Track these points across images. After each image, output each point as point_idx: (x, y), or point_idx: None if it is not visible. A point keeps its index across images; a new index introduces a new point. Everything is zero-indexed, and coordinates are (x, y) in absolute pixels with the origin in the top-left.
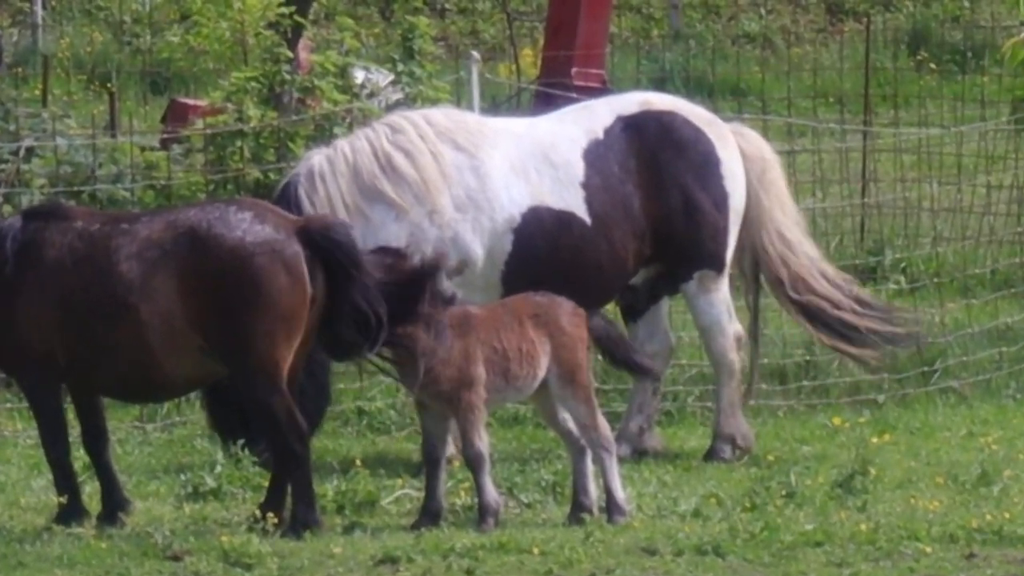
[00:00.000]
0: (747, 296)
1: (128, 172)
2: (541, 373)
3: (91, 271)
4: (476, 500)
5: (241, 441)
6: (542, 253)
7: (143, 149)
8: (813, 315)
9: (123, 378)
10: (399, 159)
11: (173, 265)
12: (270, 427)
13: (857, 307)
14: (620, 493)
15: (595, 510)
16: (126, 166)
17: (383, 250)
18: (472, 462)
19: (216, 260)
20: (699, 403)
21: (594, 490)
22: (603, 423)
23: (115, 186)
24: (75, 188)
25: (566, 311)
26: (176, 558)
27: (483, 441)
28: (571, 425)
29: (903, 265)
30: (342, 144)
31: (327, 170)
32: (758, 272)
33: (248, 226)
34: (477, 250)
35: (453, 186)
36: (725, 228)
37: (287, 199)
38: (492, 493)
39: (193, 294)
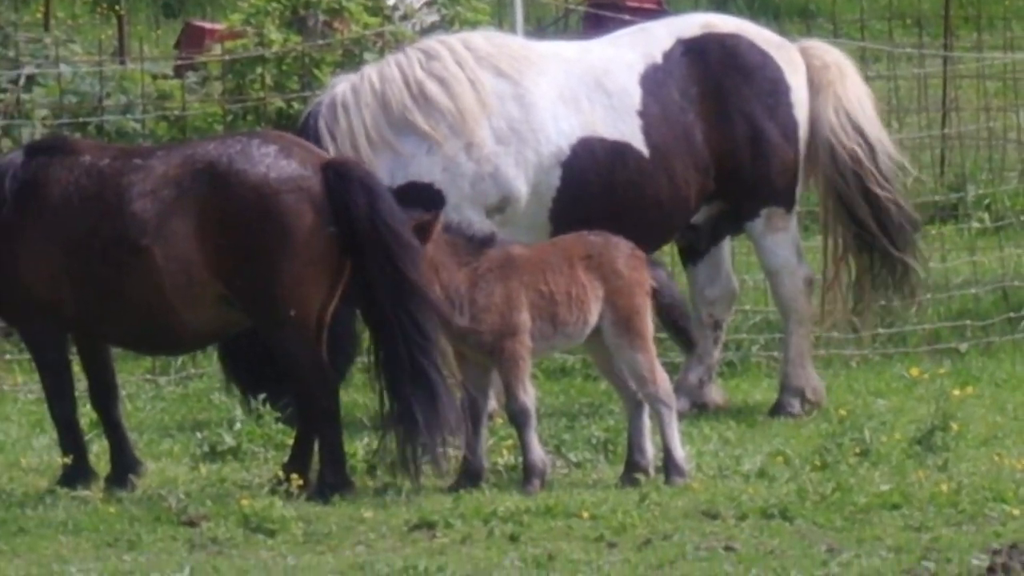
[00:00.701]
0: (826, 226)
1: (139, 102)
2: (592, 319)
3: (100, 211)
4: (520, 459)
5: (262, 395)
6: (595, 188)
7: (155, 77)
8: (883, 212)
9: (135, 329)
10: (432, 88)
11: (191, 204)
12: (296, 380)
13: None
14: (679, 451)
15: (651, 470)
16: (136, 96)
17: (412, 186)
18: (516, 417)
19: (238, 198)
20: (764, 353)
21: (650, 448)
22: (663, 375)
23: (124, 117)
24: (80, 120)
25: (623, 252)
26: (192, 523)
27: (528, 395)
28: (627, 377)
29: (987, 202)
30: (369, 71)
31: (351, 100)
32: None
33: (272, 161)
34: (520, 186)
35: (493, 116)
36: (795, 161)
37: (306, 132)
38: (538, 452)
39: (213, 236)
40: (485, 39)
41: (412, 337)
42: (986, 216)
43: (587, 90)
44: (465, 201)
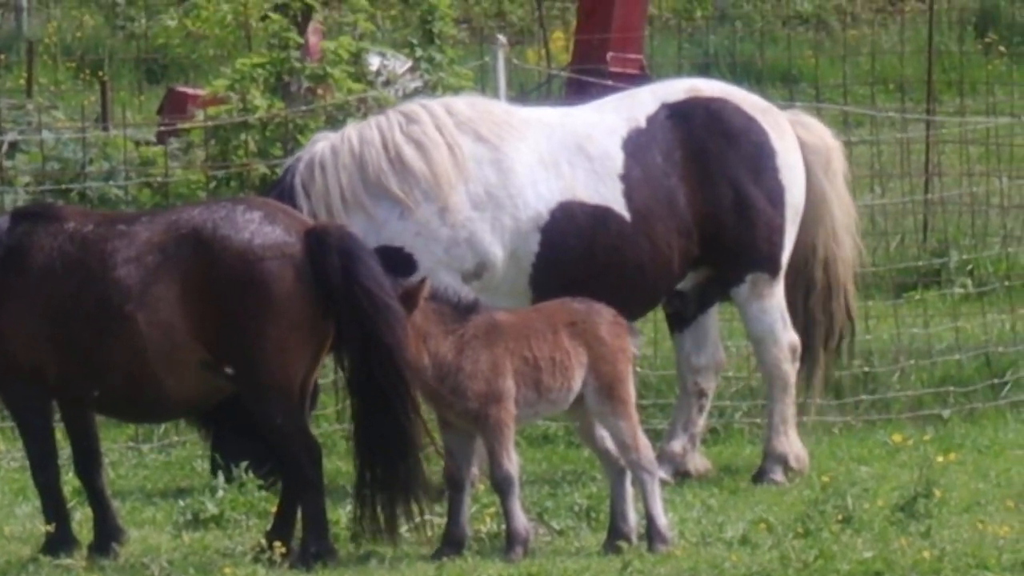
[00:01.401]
0: (802, 297)
1: (121, 169)
2: (576, 386)
3: (84, 277)
4: (503, 527)
5: (244, 463)
6: (575, 253)
7: (138, 144)
8: (820, 335)
9: (119, 396)
10: (408, 152)
11: (175, 270)
12: (280, 448)
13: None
14: (662, 519)
15: (634, 537)
16: (119, 162)
17: (383, 251)
18: (500, 485)
19: (222, 264)
20: (747, 419)
21: (633, 516)
22: (645, 442)
23: (107, 184)
24: (63, 186)
25: (606, 320)
26: None
27: (513, 462)
28: (609, 444)
29: (970, 267)
30: (350, 132)
31: (329, 160)
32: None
33: (257, 227)
34: (497, 251)
35: (471, 181)
36: (781, 227)
37: (282, 188)
38: (521, 519)
39: (196, 302)
40: (467, 104)
41: (391, 402)
42: (969, 281)
43: (568, 154)
44: (440, 266)
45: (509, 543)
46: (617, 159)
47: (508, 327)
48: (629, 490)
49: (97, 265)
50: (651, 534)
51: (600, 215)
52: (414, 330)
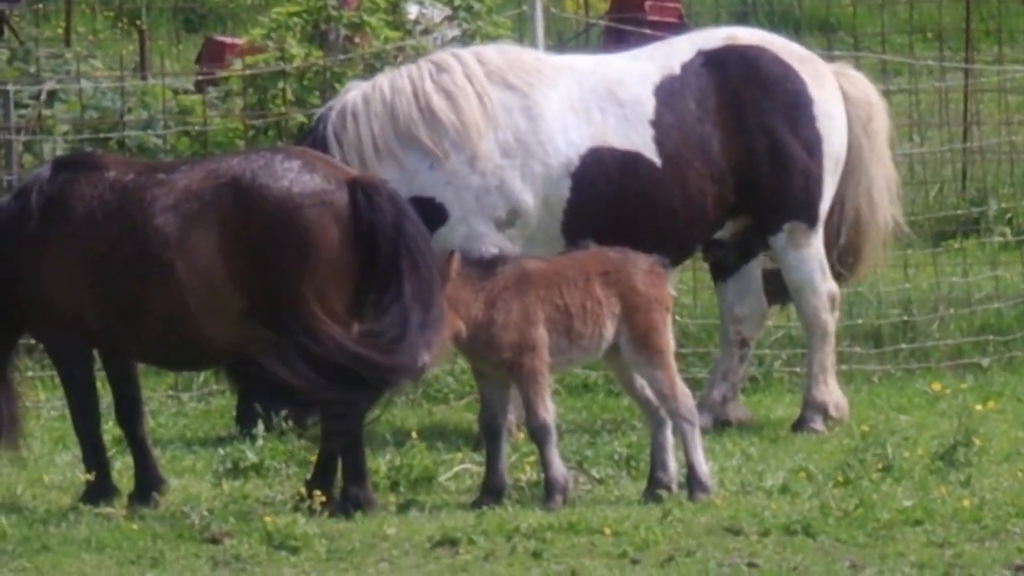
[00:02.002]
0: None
1: (160, 117)
2: (609, 334)
3: (124, 225)
4: (542, 476)
5: (284, 412)
6: (606, 199)
7: (176, 92)
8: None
9: (159, 344)
10: (438, 102)
11: (214, 218)
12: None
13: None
14: (703, 467)
15: (674, 486)
16: (157, 111)
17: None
18: (537, 434)
19: (261, 213)
20: (787, 368)
21: (673, 465)
22: (684, 391)
23: (146, 133)
24: (102, 135)
25: (641, 269)
26: (215, 540)
27: (549, 411)
28: (649, 393)
29: (1009, 216)
30: (382, 81)
31: (361, 109)
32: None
33: (296, 176)
34: (527, 198)
35: (500, 129)
36: (818, 176)
37: (315, 137)
38: (560, 468)
39: (236, 251)
40: (498, 52)
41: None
42: (1008, 230)
43: (599, 101)
44: (472, 214)
45: (548, 492)
46: (648, 105)
47: (538, 275)
48: (670, 439)
49: (137, 213)
50: (691, 483)
51: (630, 161)
52: (448, 303)
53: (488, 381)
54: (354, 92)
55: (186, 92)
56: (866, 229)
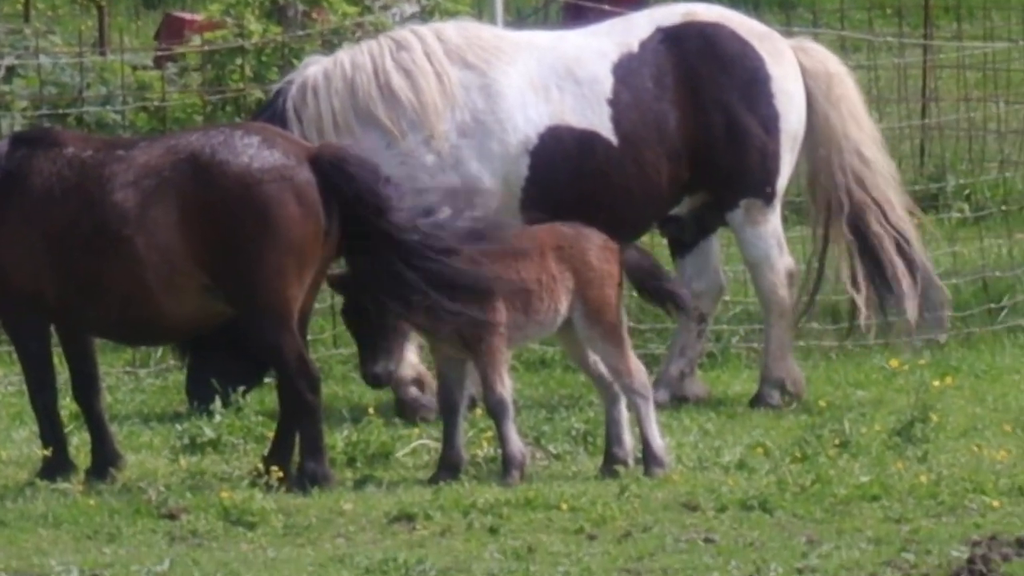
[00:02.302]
0: (816, 228)
1: (119, 93)
2: (563, 309)
3: (82, 201)
4: (499, 451)
5: (242, 388)
6: (563, 177)
7: (135, 68)
8: (872, 251)
9: (117, 319)
10: (397, 80)
11: (173, 194)
12: (278, 371)
13: (914, 254)
14: (658, 442)
15: (630, 462)
16: (116, 87)
17: None
18: (495, 410)
19: (220, 188)
20: (745, 344)
21: (629, 440)
22: (637, 366)
23: (104, 108)
24: (60, 111)
25: (594, 244)
26: (172, 516)
27: (506, 386)
28: (602, 368)
29: (967, 192)
30: (342, 57)
31: (321, 84)
32: (829, 200)
33: (255, 151)
34: (484, 177)
35: (458, 109)
36: (776, 153)
37: (274, 112)
38: (517, 444)
39: (195, 226)
40: (457, 30)
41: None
42: (966, 206)
43: (557, 78)
44: None
45: (505, 467)
46: (606, 83)
47: (493, 251)
48: (624, 414)
49: (95, 189)
50: (647, 458)
51: (587, 139)
52: None
53: (445, 357)
54: (315, 67)
55: (145, 68)
56: (864, 187)
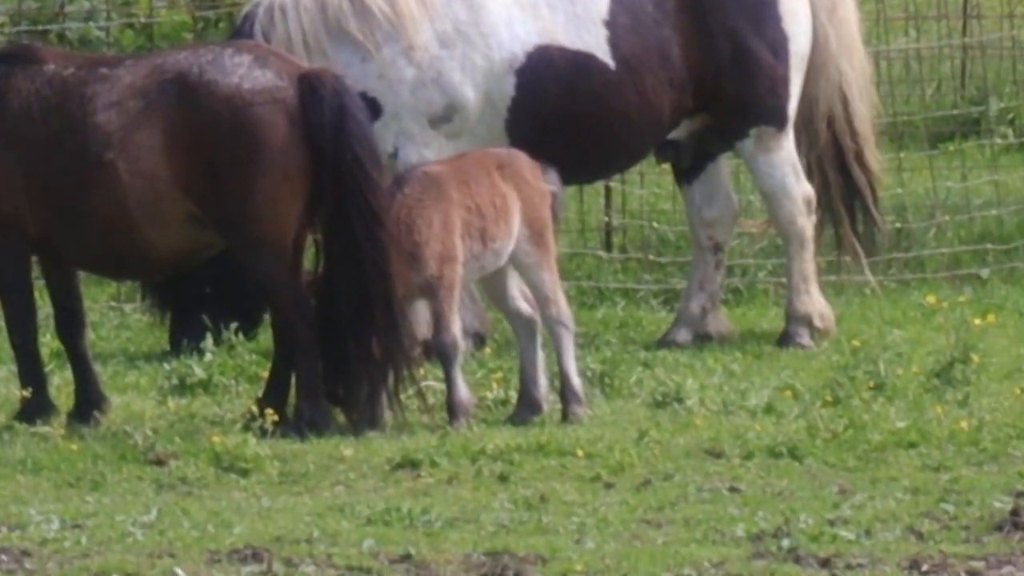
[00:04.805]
0: (808, 152)
1: (102, 8)
2: (515, 232)
3: (62, 123)
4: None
5: (234, 324)
6: (554, 99)
7: None
8: (837, 195)
9: (100, 249)
10: None
11: (158, 116)
12: (273, 307)
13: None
14: (577, 379)
15: (545, 405)
16: (100, 1)
17: None
18: (446, 350)
19: (208, 110)
20: (772, 279)
21: (544, 380)
22: (563, 296)
23: (87, 24)
24: (40, 27)
25: (527, 162)
26: (159, 462)
27: (458, 325)
28: (520, 303)
29: (1011, 116)
30: None
31: (289, 4)
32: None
33: (246, 71)
34: (467, 91)
35: (437, 19)
36: (785, 77)
37: (240, 35)
38: (463, 389)
39: (181, 151)
40: None
41: (367, 270)
42: (1010, 132)
43: None
44: (404, 110)
45: (451, 413)
46: (602, 4)
47: (447, 176)
48: (540, 353)
49: (76, 110)
50: (566, 395)
51: (581, 61)
52: None
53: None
54: None
55: None
56: (842, 125)
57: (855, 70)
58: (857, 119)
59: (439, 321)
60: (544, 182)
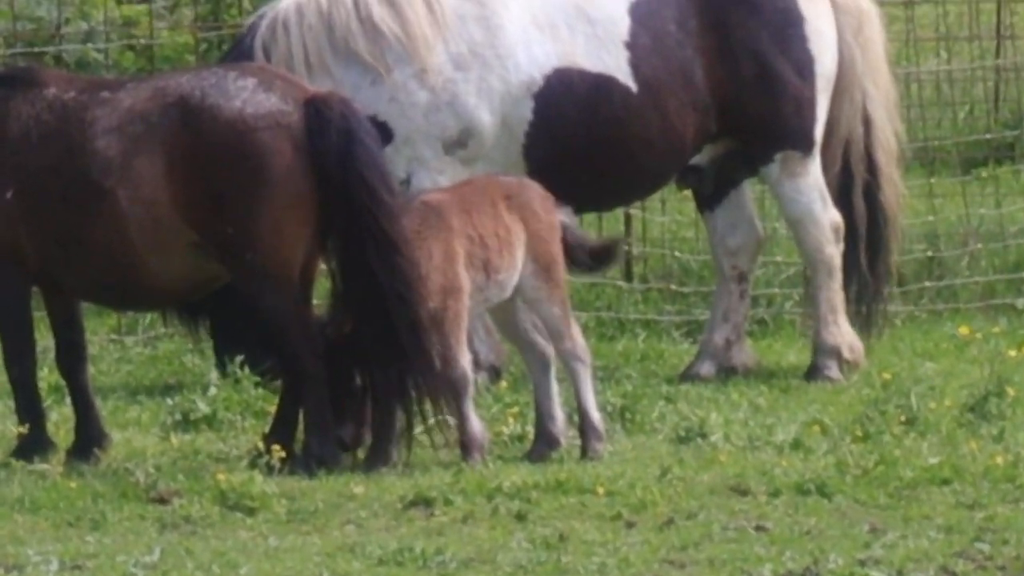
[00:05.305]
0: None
1: (101, 29)
2: (520, 265)
3: (62, 148)
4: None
5: (239, 358)
6: (573, 124)
7: (119, 1)
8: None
9: (101, 280)
10: (379, 12)
11: (159, 142)
12: (279, 340)
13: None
14: (597, 414)
15: (563, 440)
16: (99, 22)
17: None
18: (456, 385)
19: (210, 135)
20: (799, 309)
21: (561, 415)
22: (578, 329)
23: (85, 46)
24: (36, 49)
25: (537, 194)
26: (162, 501)
27: (467, 358)
28: (535, 335)
29: None
30: None
31: (293, 20)
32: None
33: (250, 95)
34: (483, 116)
35: (451, 40)
36: (811, 99)
37: (241, 50)
38: (477, 423)
39: (183, 177)
40: None
41: (390, 301)
42: None
43: (567, 17)
44: (417, 135)
45: (465, 450)
46: (622, 24)
47: (449, 205)
48: (555, 386)
49: (76, 135)
50: (585, 432)
51: (602, 85)
52: None
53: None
54: (288, 1)
55: (131, 1)
56: (859, 150)
57: (881, 92)
58: (878, 147)
59: (447, 355)
60: (555, 215)
